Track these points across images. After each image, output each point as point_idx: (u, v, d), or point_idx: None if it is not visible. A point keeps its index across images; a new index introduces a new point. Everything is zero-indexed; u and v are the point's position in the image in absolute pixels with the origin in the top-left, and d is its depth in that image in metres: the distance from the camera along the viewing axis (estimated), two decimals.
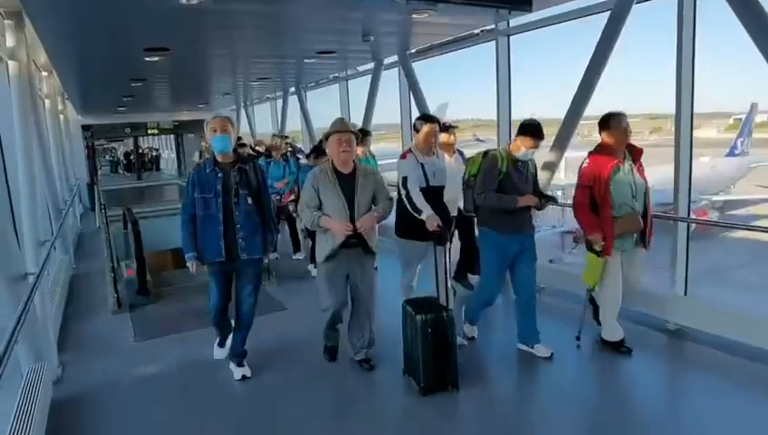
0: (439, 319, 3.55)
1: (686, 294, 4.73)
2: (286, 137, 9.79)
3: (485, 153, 4.10)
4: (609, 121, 3.91)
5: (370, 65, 9.28)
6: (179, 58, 7.36)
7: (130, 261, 6.79)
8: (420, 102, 7.97)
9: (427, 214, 3.90)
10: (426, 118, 4.28)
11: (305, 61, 8.57)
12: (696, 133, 4.90)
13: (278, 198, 7.23)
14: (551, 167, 5.86)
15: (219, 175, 3.65)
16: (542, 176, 6.04)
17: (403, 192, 4.07)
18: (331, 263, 3.84)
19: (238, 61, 8.77)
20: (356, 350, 4.08)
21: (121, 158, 31.03)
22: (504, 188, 3.92)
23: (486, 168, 3.96)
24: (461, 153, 5.07)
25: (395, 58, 8.42)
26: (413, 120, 4.41)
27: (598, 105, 5.26)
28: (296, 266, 7.08)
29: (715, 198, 20.43)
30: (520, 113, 6.73)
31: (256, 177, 3.77)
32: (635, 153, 4.01)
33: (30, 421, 3.03)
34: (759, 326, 3.88)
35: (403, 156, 4.20)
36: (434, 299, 3.87)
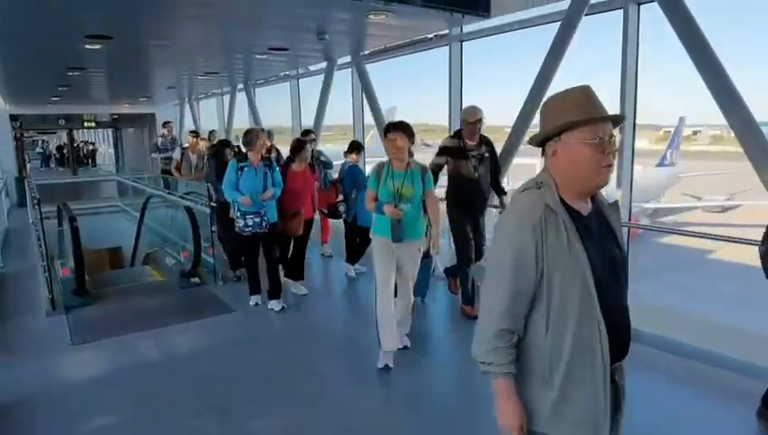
0: None
1: None
2: (311, 132, 7.30)
3: None
4: None
5: (322, 65, 9.20)
6: (122, 47, 7.03)
7: (66, 260, 6.41)
8: (374, 104, 7.97)
9: None
10: None
11: (256, 57, 8.39)
12: None
13: (260, 220, 4.93)
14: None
15: None
16: None
17: None
18: None
19: (185, 54, 8.46)
20: None
21: (54, 151, 29.38)
22: None
23: None
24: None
25: (348, 59, 8.39)
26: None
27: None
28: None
29: (646, 205, 21.54)
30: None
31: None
32: None
33: None
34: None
35: None
36: None
